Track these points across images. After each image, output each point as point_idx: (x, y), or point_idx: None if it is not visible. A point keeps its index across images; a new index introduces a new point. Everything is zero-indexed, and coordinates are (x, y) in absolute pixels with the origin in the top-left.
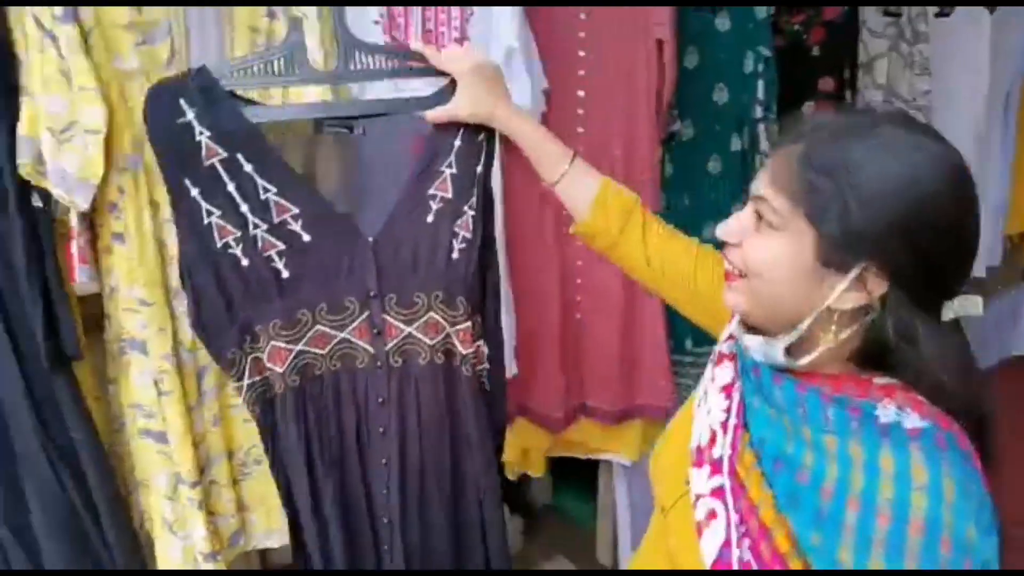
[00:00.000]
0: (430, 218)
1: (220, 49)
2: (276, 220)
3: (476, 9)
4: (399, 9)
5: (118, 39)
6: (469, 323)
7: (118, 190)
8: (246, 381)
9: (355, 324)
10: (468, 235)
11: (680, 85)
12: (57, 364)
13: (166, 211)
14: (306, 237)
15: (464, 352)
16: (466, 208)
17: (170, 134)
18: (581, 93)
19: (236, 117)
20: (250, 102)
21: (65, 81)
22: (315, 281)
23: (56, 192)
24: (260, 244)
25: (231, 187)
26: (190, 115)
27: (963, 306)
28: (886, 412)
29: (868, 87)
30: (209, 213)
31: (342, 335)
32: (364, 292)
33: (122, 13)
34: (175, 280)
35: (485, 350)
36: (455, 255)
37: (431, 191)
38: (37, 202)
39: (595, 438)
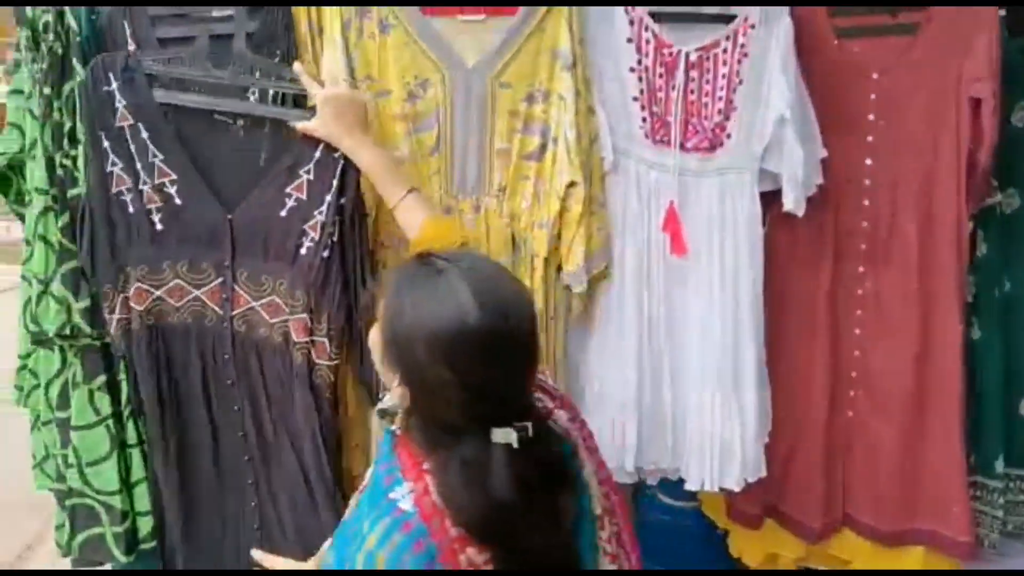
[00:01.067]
0: (283, 213)
1: (481, 134)
2: (157, 181)
3: (745, 77)
4: (660, 82)
5: (393, 129)
6: (305, 316)
7: (382, 266)
8: (116, 316)
9: (209, 287)
10: (315, 237)
11: (1006, 148)
12: None
13: None
14: (178, 200)
15: (296, 340)
16: (316, 213)
17: (97, 98)
18: (869, 162)
19: (146, 95)
20: (162, 86)
21: None
22: (181, 240)
23: None
24: (144, 197)
25: (132, 147)
26: (114, 86)
27: (506, 436)
28: (400, 490)
29: None
30: (113, 164)
31: (196, 293)
32: (220, 261)
33: (397, 104)
34: None
35: (327, 349)
36: (303, 251)
37: (288, 190)
38: None
39: (862, 557)
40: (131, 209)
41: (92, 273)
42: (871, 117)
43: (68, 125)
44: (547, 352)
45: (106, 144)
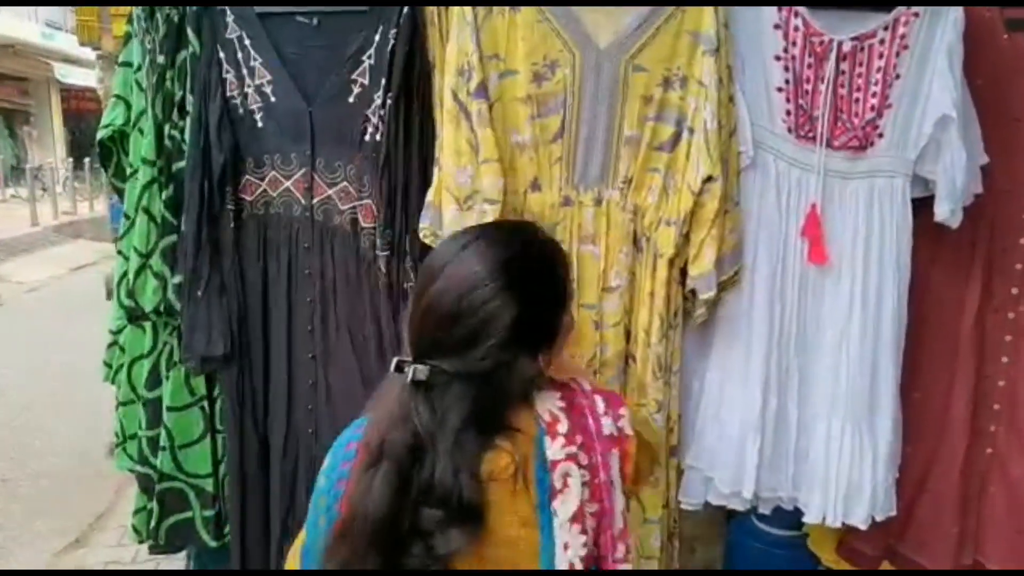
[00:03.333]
0: (351, 99)
1: (609, 121)
2: (256, 82)
3: (903, 71)
4: (808, 72)
5: (516, 113)
6: (370, 202)
7: None
8: (228, 206)
9: (296, 177)
10: (377, 123)
11: None
12: None
13: None
14: (273, 98)
15: (364, 225)
16: (376, 97)
17: (210, 15)
18: None
19: (248, 10)
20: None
21: (473, 153)
22: (276, 135)
23: None
24: (248, 98)
25: (240, 55)
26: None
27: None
28: None
29: None
30: (227, 71)
31: (287, 184)
32: (303, 151)
33: (523, 86)
34: None
35: (389, 237)
36: (367, 138)
37: (354, 76)
38: None
39: None
40: (239, 110)
41: (203, 175)
42: None
43: (179, 95)
44: (663, 363)
45: (221, 55)
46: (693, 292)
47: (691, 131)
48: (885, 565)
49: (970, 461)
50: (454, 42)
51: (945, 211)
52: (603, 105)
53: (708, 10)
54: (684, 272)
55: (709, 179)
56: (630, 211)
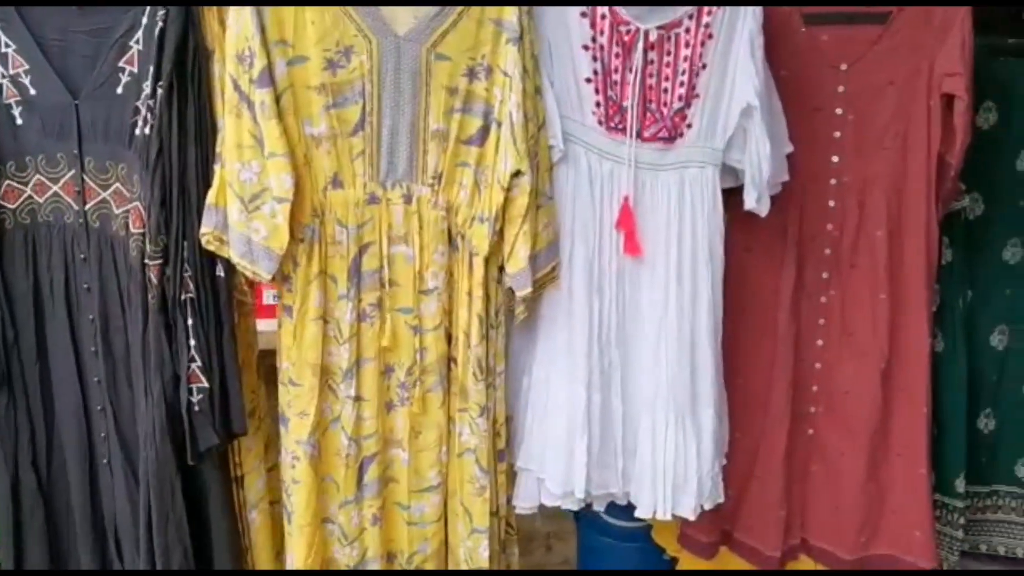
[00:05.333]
0: (119, 90)
1: (413, 113)
2: (11, 72)
3: (709, 61)
4: (616, 62)
5: (309, 102)
6: (139, 204)
7: (292, 261)
8: None
9: (65, 179)
10: (147, 115)
11: (970, 150)
12: (223, 442)
13: (342, 286)
14: (32, 91)
15: (133, 231)
16: (144, 86)
17: None
18: (835, 160)
19: None
20: None
21: (258, 147)
22: (38, 133)
23: (239, 263)
24: (3, 91)
25: None
26: None
27: None
28: None
29: None
30: None
31: (55, 188)
32: (71, 151)
33: (315, 74)
34: (346, 361)
35: (164, 243)
36: (137, 132)
37: (121, 63)
38: (221, 272)
39: None
40: None
41: None
42: (839, 111)
43: None
44: (484, 365)
45: None
46: (512, 290)
47: (498, 124)
48: (723, 551)
49: (792, 443)
50: (232, 25)
51: (752, 200)
52: (406, 96)
53: None
54: (503, 270)
55: (518, 173)
56: (442, 208)
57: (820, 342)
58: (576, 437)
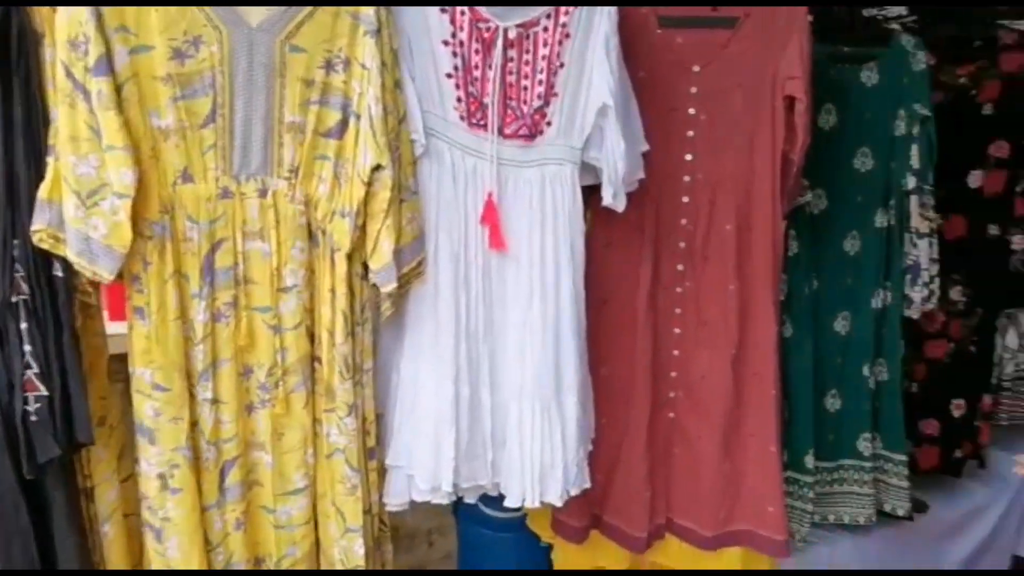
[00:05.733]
0: None
1: (268, 105)
2: None
3: (567, 60)
4: (476, 59)
5: (156, 93)
6: None
7: (142, 261)
8: None
9: None
10: None
11: (813, 149)
12: (66, 452)
13: (194, 285)
14: None
15: None
16: None
17: None
18: (689, 158)
19: None
20: None
21: (95, 139)
22: None
23: (77, 262)
24: None
25: None
26: None
27: None
28: None
29: None
30: None
31: None
32: None
33: (161, 64)
34: (201, 362)
35: None
36: None
37: None
38: (59, 272)
39: (685, 563)
40: None
41: None
42: (691, 111)
43: None
44: (351, 362)
45: None
46: (376, 286)
47: (357, 117)
48: (594, 534)
49: (655, 427)
50: (64, 9)
51: (609, 196)
52: (260, 88)
53: None
54: (368, 266)
55: (378, 167)
56: (300, 202)
57: (677, 331)
58: (444, 431)
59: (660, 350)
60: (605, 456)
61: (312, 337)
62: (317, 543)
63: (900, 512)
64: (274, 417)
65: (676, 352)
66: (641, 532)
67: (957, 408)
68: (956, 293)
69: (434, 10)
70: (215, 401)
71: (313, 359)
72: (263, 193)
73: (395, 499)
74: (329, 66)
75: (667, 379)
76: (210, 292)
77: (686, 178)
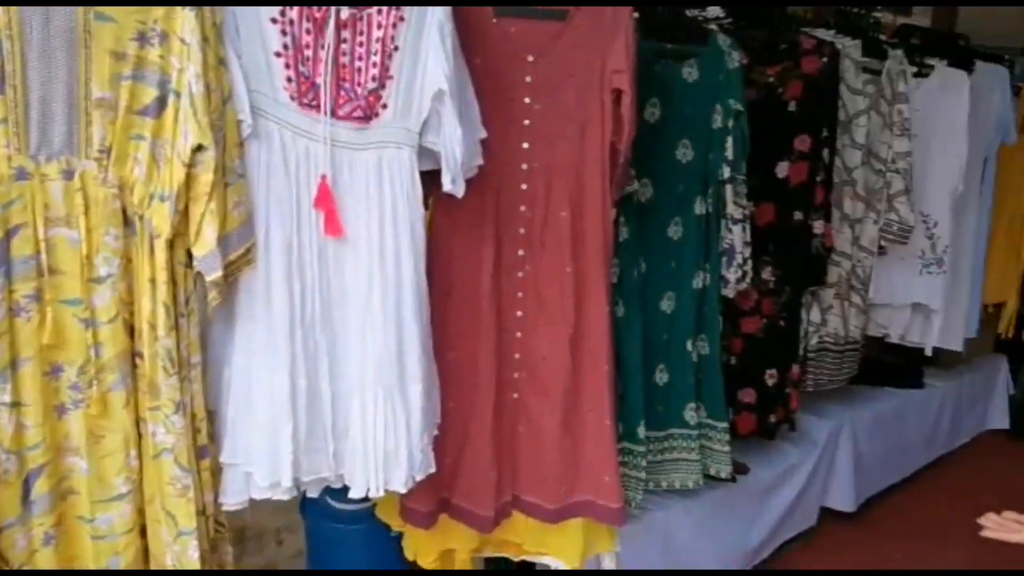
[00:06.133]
0: None
1: (70, 78)
2: None
3: (401, 43)
4: (308, 38)
5: None
6: None
7: None
8: None
9: None
10: None
11: (639, 141)
12: None
13: None
14: None
15: None
16: None
17: None
18: (526, 146)
19: None
20: None
21: None
22: None
23: None
24: None
25: None
26: None
27: None
28: None
29: (847, 146)
30: None
31: None
32: None
33: None
34: None
35: None
36: None
37: None
38: None
39: (531, 539)
40: None
41: None
42: (527, 100)
43: None
44: (176, 357)
45: None
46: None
47: (177, 95)
48: (443, 518)
49: (501, 408)
50: None
51: (448, 181)
52: (59, 59)
53: None
54: (191, 253)
55: (200, 148)
56: (113, 185)
57: (519, 313)
58: (281, 425)
59: (504, 333)
60: (453, 439)
61: (132, 331)
62: (146, 550)
63: (723, 475)
64: (89, 419)
65: (519, 334)
66: (488, 511)
67: (771, 377)
68: (767, 273)
69: None
70: (16, 405)
71: (134, 354)
72: (68, 175)
73: (233, 498)
74: (143, 39)
75: (511, 361)
76: (5, 284)
77: (524, 166)
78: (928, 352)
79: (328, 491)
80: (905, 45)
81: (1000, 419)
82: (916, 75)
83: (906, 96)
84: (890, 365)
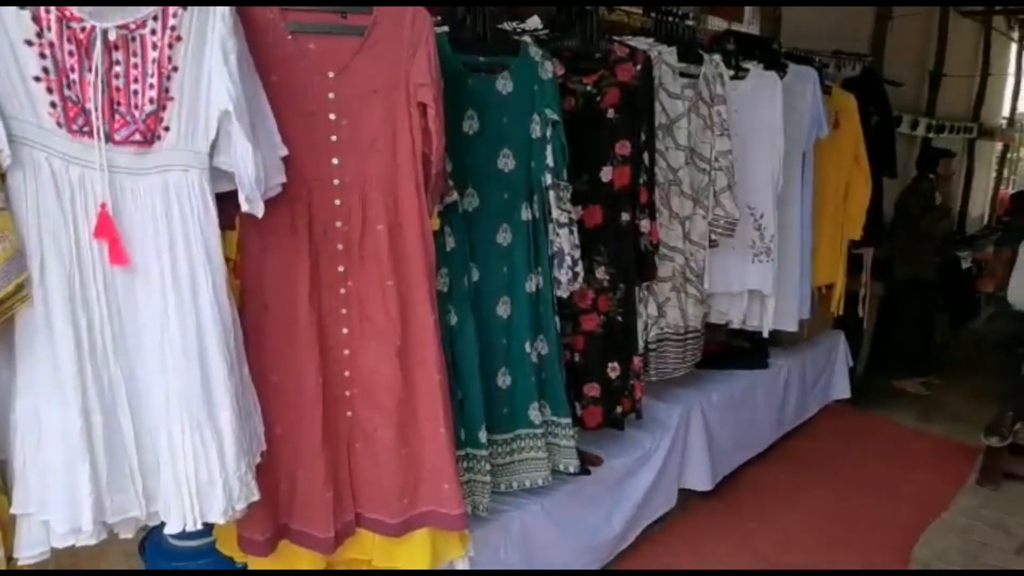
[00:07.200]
0: None
1: None
2: None
3: (180, 63)
4: (71, 61)
5: None
6: None
7: None
8: None
9: None
10: None
11: (461, 152)
12: None
13: None
14: None
15: None
16: None
17: None
18: (335, 161)
19: None
20: None
21: None
22: None
23: None
24: None
25: None
26: None
27: None
28: None
29: (671, 148)
30: None
31: None
32: None
33: None
34: None
35: None
36: None
37: None
38: None
39: (380, 554)
40: None
41: None
42: (332, 117)
43: None
44: None
45: None
46: None
47: None
48: (285, 543)
49: (333, 427)
50: None
51: (244, 202)
52: None
53: None
54: None
55: None
56: None
57: (345, 330)
58: (76, 467)
59: (331, 351)
60: (285, 464)
61: None
62: None
63: (572, 469)
64: None
65: (347, 351)
66: (328, 533)
67: (613, 371)
68: (601, 272)
69: (11, 9)
70: None
71: None
72: None
73: (30, 550)
74: None
75: (341, 379)
76: None
77: (335, 181)
78: (765, 334)
79: (162, 529)
80: (721, 50)
81: (842, 390)
82: (733, 78)
83: (724, 98)
84: (739, 348)
